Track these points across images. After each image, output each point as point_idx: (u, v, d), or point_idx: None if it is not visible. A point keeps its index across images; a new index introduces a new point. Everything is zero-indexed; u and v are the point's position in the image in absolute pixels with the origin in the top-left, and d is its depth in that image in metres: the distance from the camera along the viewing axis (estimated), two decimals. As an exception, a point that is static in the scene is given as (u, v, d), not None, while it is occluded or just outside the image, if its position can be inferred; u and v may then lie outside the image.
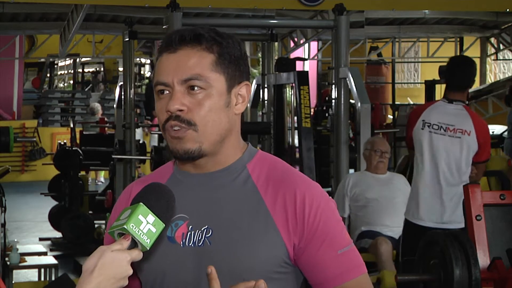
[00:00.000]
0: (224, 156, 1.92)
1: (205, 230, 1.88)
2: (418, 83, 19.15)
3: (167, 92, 1.87)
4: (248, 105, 9.84)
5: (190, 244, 1.89)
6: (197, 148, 1.87)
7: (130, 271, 1.69)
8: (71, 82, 22.19)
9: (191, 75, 1.85)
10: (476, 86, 14.24)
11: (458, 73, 5.30)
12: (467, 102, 5.33)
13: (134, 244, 1.70)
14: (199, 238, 1.88)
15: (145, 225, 1.69)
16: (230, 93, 1.89)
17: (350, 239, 1.92)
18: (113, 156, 9.38)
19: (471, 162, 5.20)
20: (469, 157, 5.17)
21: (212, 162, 1.91)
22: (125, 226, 1.68)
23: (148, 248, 1.70)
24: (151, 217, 1.70)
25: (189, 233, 1.89)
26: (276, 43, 10.22)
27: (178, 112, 1.85)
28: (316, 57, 15.03)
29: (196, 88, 1.85)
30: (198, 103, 1.85)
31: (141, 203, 1.71)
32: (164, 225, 1.72)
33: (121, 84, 9.41)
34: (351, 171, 7.59)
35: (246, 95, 1.93)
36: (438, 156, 5.19)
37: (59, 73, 22.60)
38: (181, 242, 1.90)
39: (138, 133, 13.31)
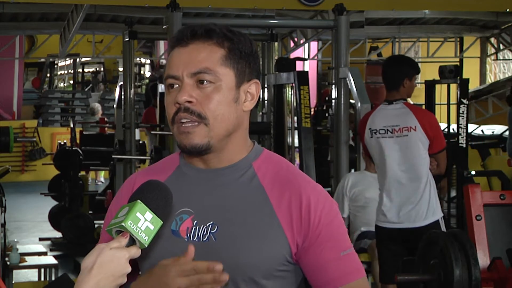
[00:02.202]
0: (231, 153, 1.93)
1: (210, 225, 1.90)
2: (418, 83, 19.12)
3: (177, 85, 1.89)
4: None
5: (195, 239, 1.90)
6: (206, 143, 1.88)
7: (129, 269, 1.69)
8: (71, 82, 22.18)
9: (200, 68, 1.86)
10: (476, 86, 14.25)
11: (387, 73, 5.34)
12: (407, 99, 5.34)
13: (132, 241, 1.70)
14: (204, 233, 1.89)
15: (143, 222, 1.70)
16: (239, 89, 1.91)
17: (351, 243, 1.94)
18: (113, 156, 9.38)
19: (428, 155, 5.20)
20: (422, 151, 5.16)
21: (218, 158, 1.92)
22: (123, 224, 1.68)
23: (146, 246, 1.71)
24: (149, 215, 1.71)
25: (194, 227, 1.91)
26: (276, 43, 10.22)
27: (187, 104, 1.86)
28: (316, 57, 15.02)
29: (205, 81, 1.87)
30: (207, 96, 1.87)
31: (139, 201, 1.71)
32: (162, 222, 1.72)
33: (121, 84, 9.42)
34: (351, 171, 7.59)
35: (255, 93, 1.94)
36: (391, 160, 5.20)
37: (59, 73, 22.60)
38: (186, 236, 1.90)
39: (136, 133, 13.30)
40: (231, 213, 1.90)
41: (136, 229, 1.69)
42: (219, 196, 1.92)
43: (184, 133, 1.87)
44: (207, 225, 1.90)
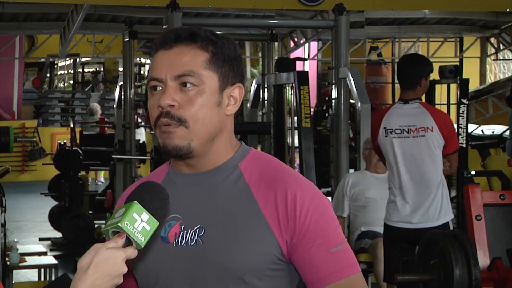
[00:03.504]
0: (215, 156, 1.92)
1: (197, 229, 1.89)
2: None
3: (160, 88, 1.88)
4: (248, 105, 9.85)
5: (183, 244, 1.89)
6: (186, 145, 1.87)
7: (125, 269, 1.69)
8: (71, 82, 22.18)
9: (184, 71, 1.86)
10: (476, 86, 14.25)
11: (403, 72, 5.29)
12: (422, 98, 5.30)
13: (128, 242, 1.70)
14: (192, 237, 1.89)
15: (140, 223, 1.70)
16: (222, 93, 1.90)
17: (344, 238, 1.91)
18: (113, 156, 9.38)
19: (442, 155, 5.17)
20: (437, 152, 5.14)
21: (203, 162, 1.92)
22: (119, 224, 1.69)
23: (142, 246, 1.71)
24: (146, 215, 1.71)
25: (181, 232, 1.90)
26: (276, 43, 10.22)
27: (168, 108, 1.86)
28: (316, 57, 15.04)
29: (188, 84, 1.86)
30: (190, 100, 1.86)
31: (135, 201, 1.71)
32: (158, 223, 1.72)
33: (121, 84, 9.42)
34: (351, 171, 7.59)
35: (238, 98, 1.93)
36: (407, 160, 5.16)
37: (59, 73, 22.60)
38: (174, 242, 1.90)
39: (141, 133, 13.31)
40: (217, 216, 1.89)
41: (133, 229, 1.69)
42: (206, 199, 1.91)
43: (165, 132, 1.87)
44: (195, 229, 1.89)
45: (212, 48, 1.89)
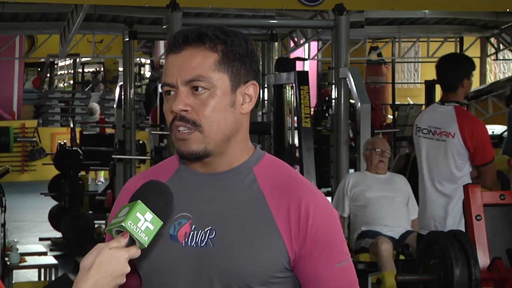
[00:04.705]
0: (231, 156, 1.91)
1: (208, 231, 1.88)
2: (418, 83, 19.16)
3: (173, 92, 1.87)
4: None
5: (193, 244, 1.88)
6: (203, 149, 1.86)
7: (128, 269, 1.69)
8: (71, 82, 22.19)
9: (193, 76, 1.85)
10: (476, 86, 14.25)
11: (443, 74, 5.09)
12: (465, 102, 5.17)
13: (132, 241, 1.70)
14: (202, 238, 1.88)
15: (143, 222, 1.69)
16: (235, 92, 1.88)
17: (349, 254, 1.93)
18: (113, 156, 9.39)
19: (465, 165, 4.96)
20: (457, 160, 4.94)
21: (218, 162, 1.91)
22: (122, 224, 1.68)
23: (146, 246, 1.71)
24: (149, 215, 1.70)
25: (192, 232, 1.89)
26: (276, 43, 10.22)
27: (182, 113, 1.85)
28: (316, 57, 15.03)
29: (199, 88, 1.85)
30: (202, 104, 1.85)
31: (139, 201, 1.71)
32: (162, 222, 1.72)
33: (121, 84, 9.43)
34: (351, 171, 7.59)
35: (253, 95, 1.91)
36: (428, 162, 5.05)
37: (59, 73, 22.61)
38: (184, 241, 1.89)
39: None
40: (229, 219, 1.88)
41: (136, 229, 1.69)
42: (218, 201, 1.90)
43: (180, 139, 1.87)
44: (205, 230, 1.88)
45: (221, 47, 1.87)
